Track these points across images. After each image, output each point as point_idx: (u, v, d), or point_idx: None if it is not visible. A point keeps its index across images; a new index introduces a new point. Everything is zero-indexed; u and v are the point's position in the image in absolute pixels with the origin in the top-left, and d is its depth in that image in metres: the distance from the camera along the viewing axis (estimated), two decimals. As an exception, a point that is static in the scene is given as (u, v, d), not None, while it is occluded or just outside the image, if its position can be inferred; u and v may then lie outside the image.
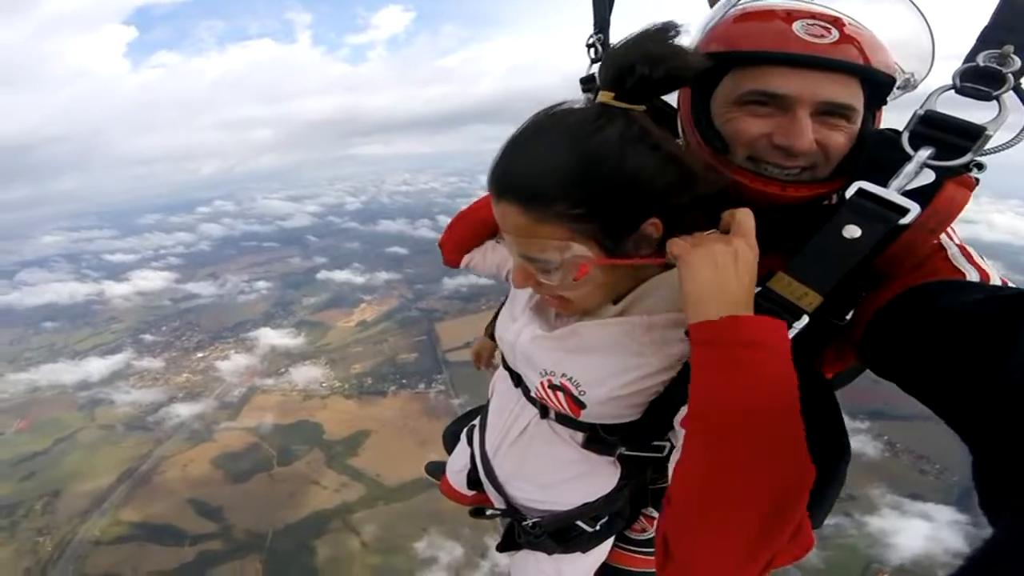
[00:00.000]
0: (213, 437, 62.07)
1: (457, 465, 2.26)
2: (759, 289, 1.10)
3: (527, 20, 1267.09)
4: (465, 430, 2.28)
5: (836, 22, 1.24)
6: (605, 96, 1.14)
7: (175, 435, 63.66)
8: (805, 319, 1.07)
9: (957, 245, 1.16)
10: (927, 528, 40.47)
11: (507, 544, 1.84)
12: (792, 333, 1.05)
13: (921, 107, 1.12)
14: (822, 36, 1.21)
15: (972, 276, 1.10)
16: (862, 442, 47.87)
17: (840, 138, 1.26)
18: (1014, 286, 1.05)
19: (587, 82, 2.03)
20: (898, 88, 1.31)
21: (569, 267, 1.17)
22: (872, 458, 47.23)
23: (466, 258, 2.07)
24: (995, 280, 1.10)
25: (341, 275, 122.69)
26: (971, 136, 1.06)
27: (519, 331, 1.49)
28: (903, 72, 1.30)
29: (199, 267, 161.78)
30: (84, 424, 68.07)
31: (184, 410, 69.15)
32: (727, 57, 1.31)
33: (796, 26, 1.23)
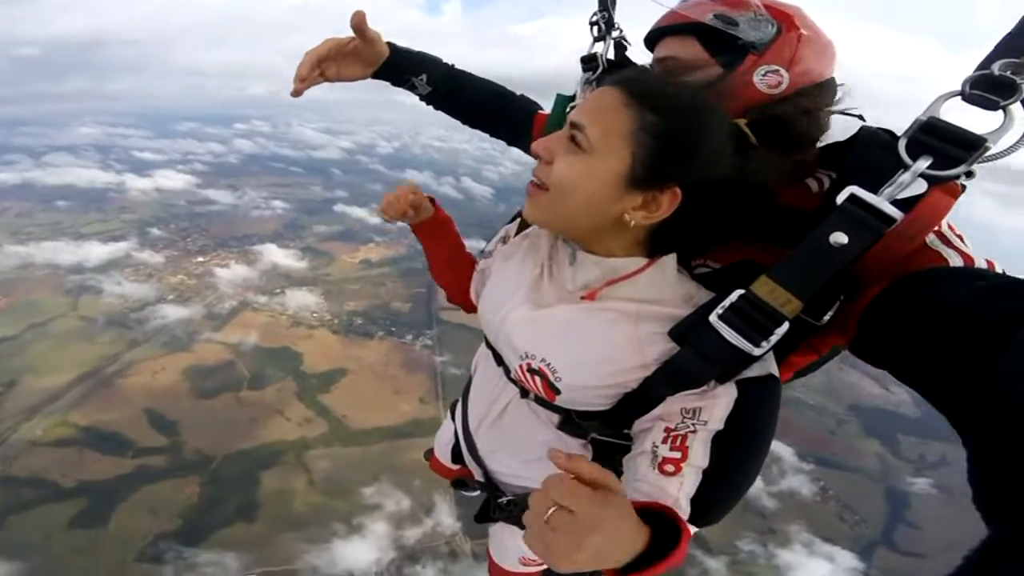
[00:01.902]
0: (191, 347, 60.24)
1: (443, 439, 2.34)
2: (742, 292, 1.14)
3: (621, 4, 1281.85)
4: (446, 402, 2.04)
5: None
6: (740, 120, 1.26)
7: (153, 338, 61.89)
8: (785, 326, 1.11)
9: (935, 232, 1.13)
10: (827, 569, 42.62)
11: (483, 516, 1.90)
12: (773, 340, 1.12)
13: (924, 113, 1.09)
14: (686, 11, 1.44)
15: (954, 260, 1.09)
16: (800, 482, 48.98)
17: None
18: (999, 270, 1.08)
19: (588, 61, 1.94)
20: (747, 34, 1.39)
21: (597, 151, 1.20)
22: (803, 498, 47.98)
23: (472, 295, 1.97)
24: (980, 263, 1.10)
25: (358, 211, 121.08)
26: (970, 146, 1.03)
27: (508, 311, 1.48)
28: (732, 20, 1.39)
29: (222, 176, 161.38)
30: (64, 312, 66.20)
31: (170, 312, 67.57)
32: (648, 37, 1.60)
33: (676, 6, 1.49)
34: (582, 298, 1.35)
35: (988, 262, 1.09)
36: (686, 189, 1.18)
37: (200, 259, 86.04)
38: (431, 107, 2.06)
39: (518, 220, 1.75)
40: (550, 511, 0.92)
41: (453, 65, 2.02)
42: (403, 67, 1.91)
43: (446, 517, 39.65)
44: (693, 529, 1.18)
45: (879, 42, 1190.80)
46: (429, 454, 2.57)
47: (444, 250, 2.02)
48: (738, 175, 1.19)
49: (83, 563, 35.09)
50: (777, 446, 50.61)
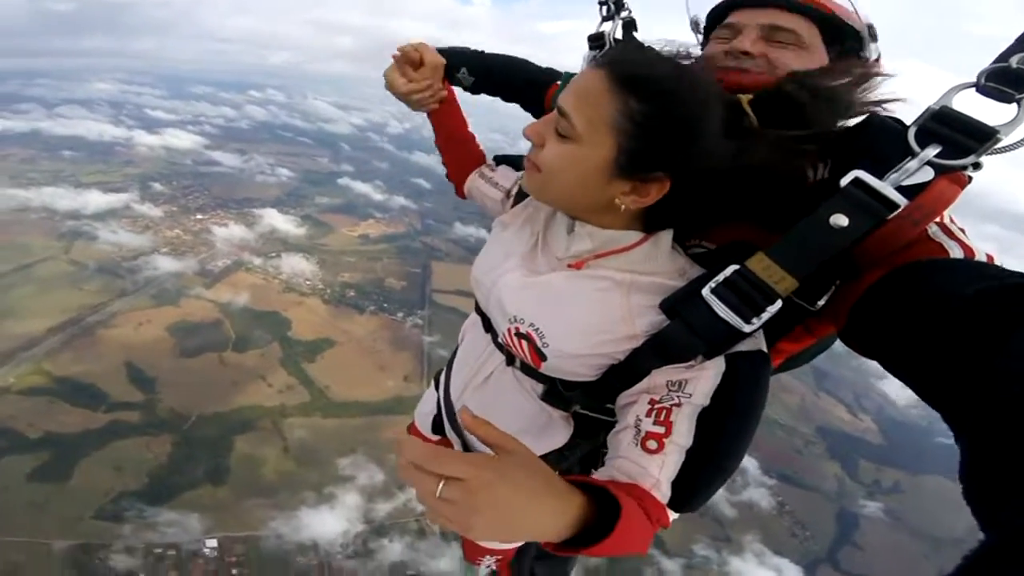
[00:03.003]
0: (179, 302, 59.60)
1: (425, 408, 2.27)
2: (736, 268, 1.12)
3: (649, 8, 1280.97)
4: (434, 374, 2.23)
5: None
6: (743, 97, 1.24)
7: (143, 289, 61.15)
8: (778, 304, 1.09)
9: (937, 223, 1.12)
10: (774, 579, 44.27)
11: None
12: (765, 317, 1.09)
13: (936, 102, 1.10)
14: None
15: (955, 252, 1.07)
16: (761, 495, 49.91)
17: (787, 54, 1.41)
18: (999, 265, 1.05)
19: (595, 39, 2.02)
20: (871, 40, 1.49)
21: (583, 139, 1.18)
22: (762, 510, 48.69)
23: (467, 184, 2.02)
24: (980, 255, 1.08)
25: (362, 187, 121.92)
26: (981, 137, 1.03)
27: (501, 275, 1.48)
28: (862, 20, 1.46)
29: (231, 140, 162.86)
30: (55, 255, 65.48)
31: (163, 264, 67.04)
32: (711, 15, 1.64)
33: None
34: (569, 266, 1.34)
35: (988, 256, 1.07)
36: (675, 177, 1.16)
37: (199, 216, 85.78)
38: (474, 95, 2.04)
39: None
40: (440, 486, 0.88)
41: (482, 51, 2.00)
42: (450, 66, 1.90)
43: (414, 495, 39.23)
44: (673, 516, 1.16)
45: (916, 76, 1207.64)
46: (409, 428, 2.41)
47: (452, 126, 2.02)
48: (733, 161, 1.15)
49: (35, 517, 33.95)
50: (744, 459, 52.33)
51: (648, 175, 1.15)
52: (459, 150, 2.04)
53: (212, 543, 35.43)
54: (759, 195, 1.23)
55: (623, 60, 1.18)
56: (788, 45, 1.40)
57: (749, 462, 50.74)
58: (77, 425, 40.26)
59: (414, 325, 64.10)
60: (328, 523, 38.13)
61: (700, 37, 1.67)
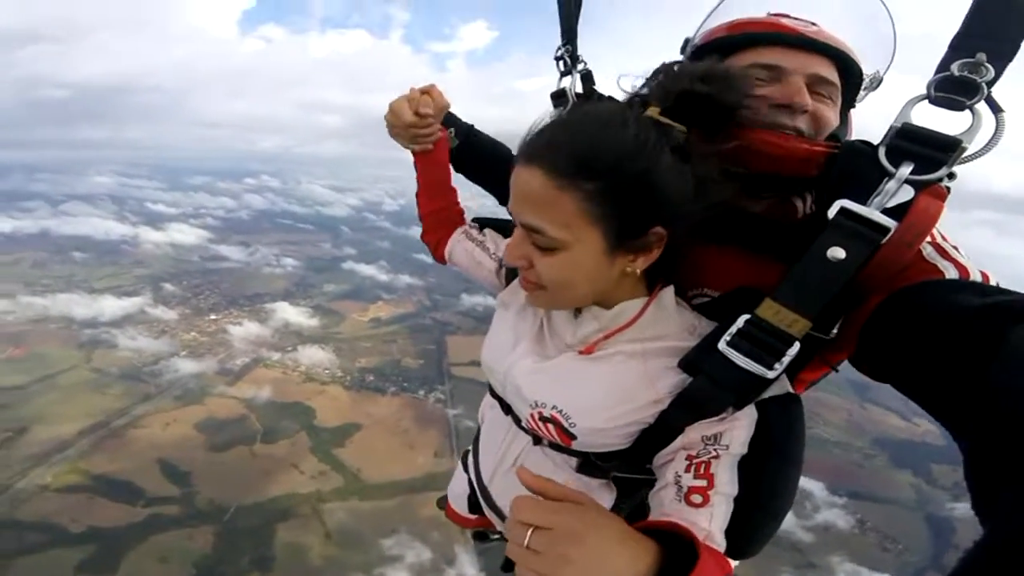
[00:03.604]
0: (204, 400, 60.51)
1: (458, 489, 2.24)
2: (748, 317, 1.11)
3: (610, 60, 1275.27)
4: (460, 455, 2.23)
5: (811, 22, 1.38)
6: (652, 111, 1.16)
7: (166, 391, 62.12)
8: (796, 347, 1.07)
9: (931, 243, 1.13)
10: (879, 596, 43.38)
11: (509, 565, 1.76)
12: (786, 361, 1.07)
13: (896, 119, 1.11)
14: (806, 26, 1.34)
15: (950, 272, 1.08)
16: (836, 515, 49.11)
17: (829, 112, 1.32)
18: (994, 283, 1.06)
19: (557, 97, 1.95)
20: (864, 88, 1.45)
21: (569, 244, 1.13)
22: (841, 531, 47.91)
23: (447, 248, 1.93)
24: (974, 274, 1.08)
25: (366, 269, 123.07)
26: (947, 148, 1.05)
27: (513, 362, 1.44)
28: (866, 73, 1.42)
29: (234, 232, 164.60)
30: (77, 363, 66.71)
31: (184, 366, 67.92)
32: (724, 42, 1.42)
33: (784, 20, 1.37)
34: (580, 353, 1.33)
35: (983, 274, 1.09)
36: (667, 223, 1.14)
37: (213, 316, 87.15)
38: (453, 163, 1.99)
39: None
40: (528, 535, 0.89)
41: (472, 125, 2.05)
42: (443, 121, 1.89)
43: (468, 568, 39.48)
44: (734, 563, 1.16)
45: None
46: (443, 502, 2.49)
47: (440, 172, 1.95)
48: (699, 178, 1.14)
49: None
50: (805, 482, 50.63)
51: (644, 237, 1.14)
52: (440, 203, 1.95)
53: None
54: (740, 214, 1.30)
55: (546, 150, 1.11)
56: (827, 99, 1.32)
57: (813, 485, 50.44)
58: (119, 519, 41.30)
59: (437, 400, 64.41)
60: (384, 605, 38.37)
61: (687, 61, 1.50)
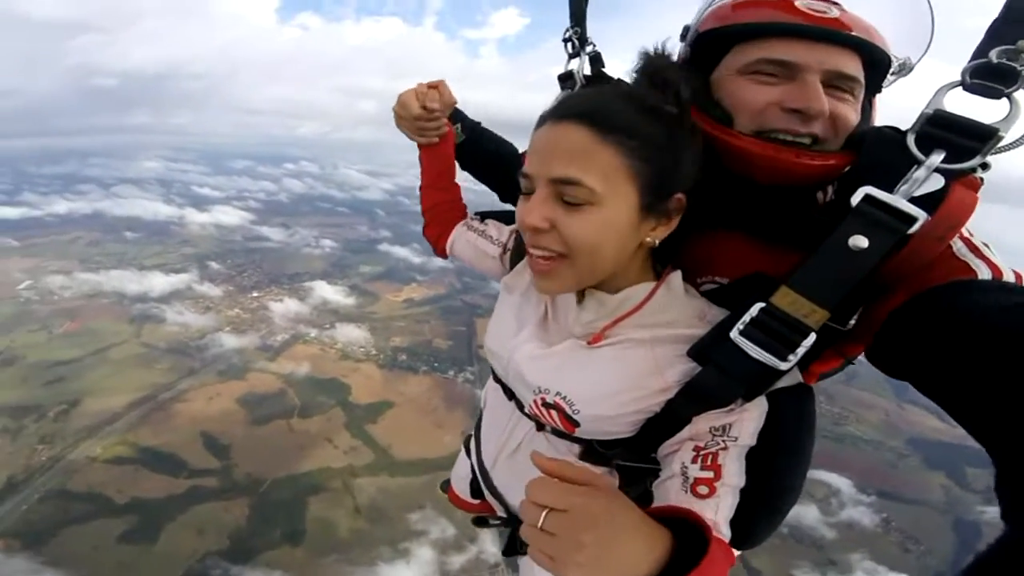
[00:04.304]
0: (245, 376, 61.11)
1: (460, 473, 2.22)
2: (762, 305, 1.04)
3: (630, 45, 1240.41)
4: (463, 440, 2.18)
5: (833, 2, 1.18)
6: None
7: (210, 365, 62.97)
8: (812, 337, 1.00)
9: (963, 239, 1.05)
10: (895, 597, 42.06)
11: (511, 550, 1.75)
12: (801, 352, 1.00)
13: (928, 106, 1.01)
14: (823, 12, 1.14)
15: (983, 272, 0.99)
16: (861, 513, 47.49)
17: (849, 112, 1.16)
18: None
19: (565, 79, 1.84)
20: (892, 73, 1.24)
21: (604, 199, 1.07)
22: (865, 528, 46.48)
23: (448, 241, 1.88)
24: (1008, 275, 1.01)
25: (400, 251, 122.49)
26: (982, 137, 0.95)
27: (515, 347, 1.40)
28: (896, 58, 1.22)
29: (275, 215, 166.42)
30: (128, 338, 67.98)
31: (228, 342, 68.84)
32: (730, 31, 1.22)
33: (798, 3, 1.16)
34: (588, 344, 1.26)
35: (1016, 274, 1.01)
36: (687, 190, 1.14)
37: (255, 294, 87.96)
38: (458, 159, 1.94)
39: (515, 237, 1.68)
40: (543, 516, 0.85)
41: (479, 122, 2.01)
42: (451, 116, 1.86)
43: (490, 546, 39.12)
44: (736, 552, 1.09)
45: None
46: (446, 485, 2.45)
47: (444, 166, 1.90)
48: (705, 147, 1.15)
49: None
50: (833, 478, 49.45)
51: (668, 202, 1.12)
52: (443, 197, 1.90)
53: None
54: (753, 200, 1.22)
55: (592, 106, 1.09)
56: (846, 98, 1.16)
57: (840, 481, 49.18)
58: (161, 491, 41.86)
59: (465, 381, 64.10)
60: (405, 577, 38.41)
61: (687, 49, 1.36)
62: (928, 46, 1.23)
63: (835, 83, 1.13)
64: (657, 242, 1.17)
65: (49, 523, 38.35)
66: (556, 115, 1.10)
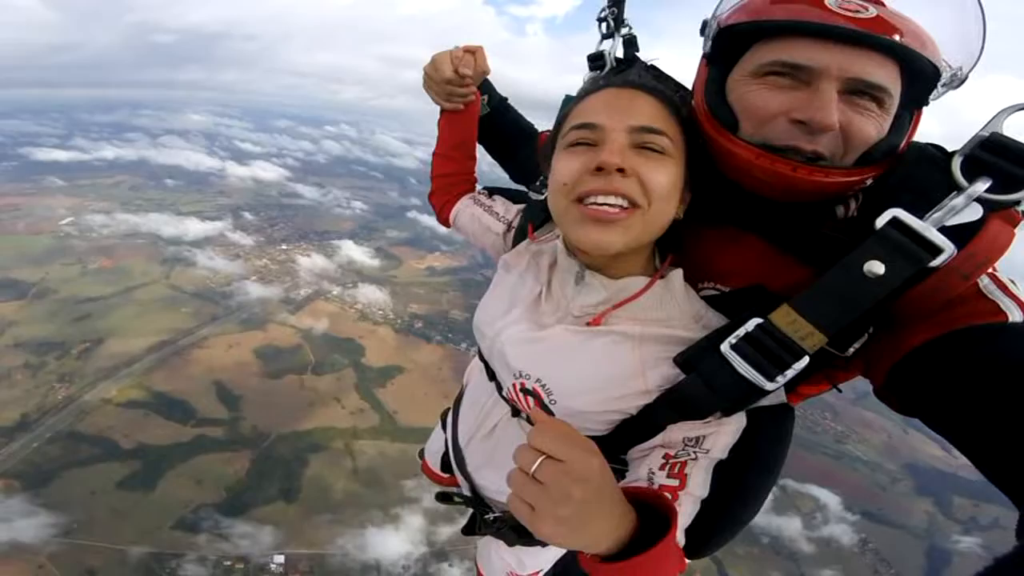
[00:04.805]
0: (265, 327, 60.95)
1: (434, 447, 2.21)
2: (760, 321, 0.98)
3: (688, 38, 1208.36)
4: (440, 414, 2.16)
5: (875, 1, 1.00)
6: None
7: (234, 313, 62.85)
8: (805, 361, 0.94)
9: (989, 275, 0.94)
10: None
11: (469, 530, 1.76)
12: (790, 375, 0.95)
13: (984, 128, 0.90)
14: (857, 11, 0.97)
15: (1014, 314, 0.90)
16: (842, 531, 46.76)
17: (868, 126, 1.00)
18: None
19: (595, 59, 1.79)
20: (943, 85, 1.04)
21: (675, 155, 1.07)
22: (842, 547, 45.68)
23: (452, 212, 1.84)
24: None
25: (427, 220, 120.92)
26: None
27: (503, 328, 1.34)
28: (949, 67, 1.01)
29: (311, 174, 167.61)
30: (157, 279, 68.20)
31: (253, 290, 68.82)
32: (749, 28, 1.07)
33: (828, 0, 0.99)
34: (588, 324, 1.18)
35: None
36: (696, 178, 1.14)
37: (284, 247, 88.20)
38: (479, 132, 1.86)
39: (521, 216, 1.61)
40: (538, 461, 0.83)
41: (505, 98, 1.92)
42: (480, 87, 1.77)
43: (480, 519, 38.77)
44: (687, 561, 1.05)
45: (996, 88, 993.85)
46: (422, 454, 2.36)
47: (466, 134, 1.83)
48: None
49: (118, 524, 34.82)
50: (824, 493, 48.65)
51: (688, 188, 1.14)
52: (457, 167, 1.86)
53: (279, 559, 35.52)
54: (757, 202, 1.13)
55: (655, 84, 1.17)
56: (868, 109, 1.00)
57: (830, 497, 48.74)
58: (167, 438, 41.57)
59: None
60: (392, 544, 37.87)
61: (708, 44, 1.18)
62: (979, 56, 1.01)
63: (858, 91, 0.98)
64: (681, 215, 1.15)
65: (54, 465, 37.99)
66: (620, 83, 1.13)
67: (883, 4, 0.98)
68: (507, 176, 1.99)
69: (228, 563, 34.73)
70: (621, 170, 1.01)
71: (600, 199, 1.03)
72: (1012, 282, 0.94)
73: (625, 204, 1.02)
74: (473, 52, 1.62)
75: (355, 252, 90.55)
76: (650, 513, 0.90)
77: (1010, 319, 0.89)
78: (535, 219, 1.49)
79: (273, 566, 35.25)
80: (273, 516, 37.80)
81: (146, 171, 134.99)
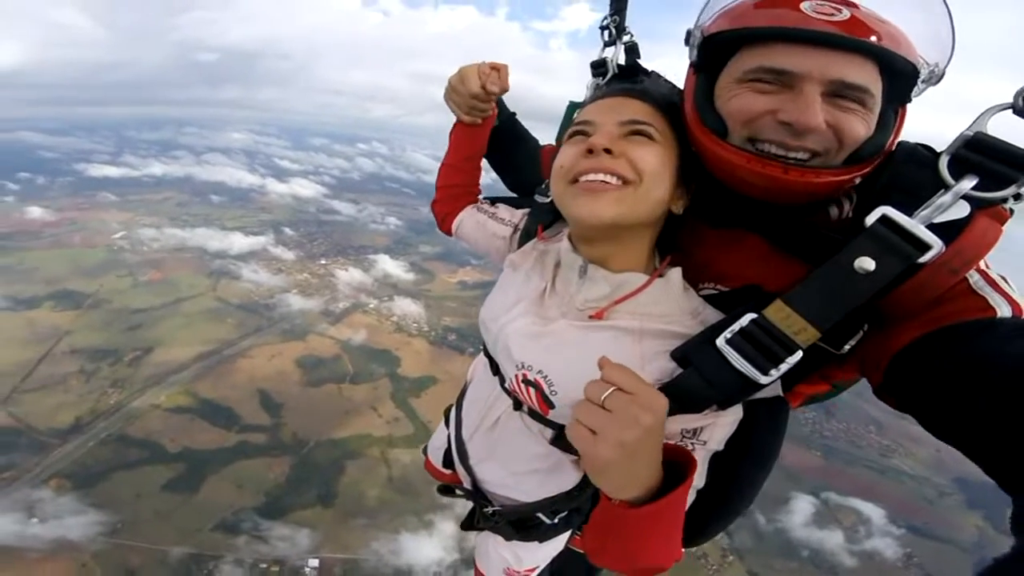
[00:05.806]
0: (306, 338, 60.97)
1: (436, 443, 2.15)
2: (754, 316, 0.97)
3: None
4: (444, 410, 2.09)
5: (847, 3, 0.99)
6: None
7: (276, 324, 62.97)
8: (798, 355, 0.93)
9: (979, 272, 0.94)
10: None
11: (468, 525, 1.71)
12: (784, 368, 0.94)
13: (970, 127, 0.90)
14: (831, 15, 0.96)
15: (1003, 310, 0.90)
16: (886, 544, 44.22)
17: (856, 124, 0.98)
18: None
19: (597, 66, 1.78)
20: (922, 81, 1.01)
21: (662, 143, 1.11)
22: (885, 560, 43.25)
23: (455, 221, 1.82)
24: None
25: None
26: (1022, 166, 0.86)
27: (508, 321, 1.33)
28: (927, 64, 1.00)
29: (346, 190, 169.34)
30: (204, 291, 68.74)
31: (295, 303, 69.02)
32: (731, 36, 1.06)
33: (804, 5, 0.98)
34: (591, 317, 1.17)
35: None
36: (697, 178, 1.16)
37: (323, 261, 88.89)
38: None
39: (527, 219, 1.59)
40: (608, 391, 0.87)
41: (514, 112, 1.89)
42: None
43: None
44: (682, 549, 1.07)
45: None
46: (426, 451, 2.26)
47: (477, 147, 1.80)
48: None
49: (161, 526, 34.75)
50: (868, 507, 46.46)
51: (687, 181, 1.15)
52: (464, 179, 1.81)
53: (314, 563, 35.12)
54: (765, 205, 1.08)
55: (648, 90, 1.19)
56: (853, 109, 0.97)
57: (875, 511, 46.37)
58: (212, 443, 41.64)
59: None
60: (424, 550, 37.24)
61: (694, 52, 1.12)
62: (952, 52, 1.00)
63: (840, 93, 0.97)
64: (680, 211, 1.17)
65: (103, 466, 38.10)
66: (615, 92, 1.19)
67: (856, 6, 0.97)
68: (507, 189, 1.94)
69: (264, 565, 34.35)
70: (609, 151, 1.06)
71: (591, 176, 1.08)
72: (1003, 279, 0.94)
73: (615, 180, 1.06)
74: (499, 70, 1.58)
75: (390, 266, 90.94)
76: (669, 469, 0.94)
77: (999, 314, 0.89)
78: (544, 220, 1.48)
79: (308, 569, 34.83)
80: (310, 519, 37.55)
81: (192, 187, 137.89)
